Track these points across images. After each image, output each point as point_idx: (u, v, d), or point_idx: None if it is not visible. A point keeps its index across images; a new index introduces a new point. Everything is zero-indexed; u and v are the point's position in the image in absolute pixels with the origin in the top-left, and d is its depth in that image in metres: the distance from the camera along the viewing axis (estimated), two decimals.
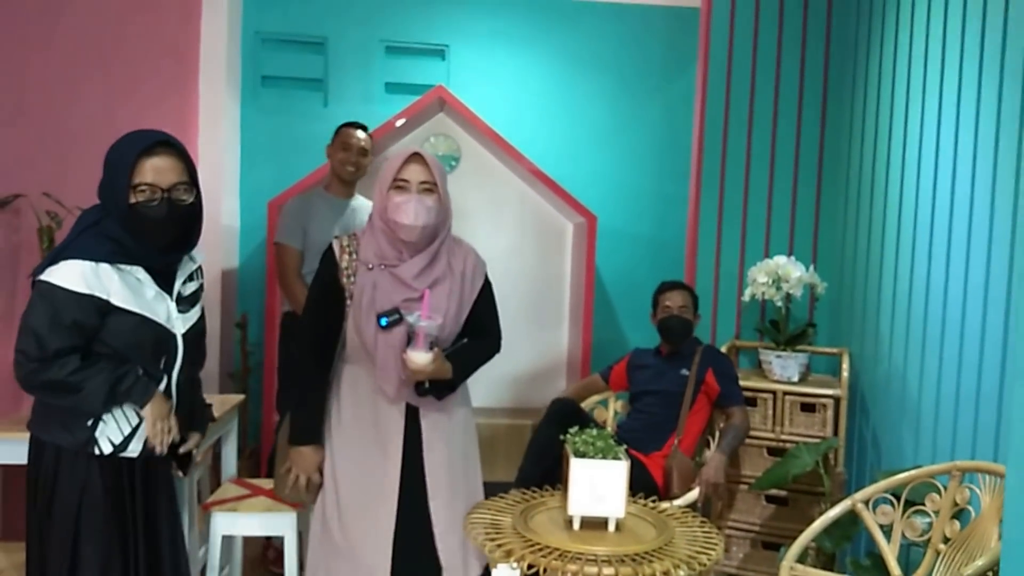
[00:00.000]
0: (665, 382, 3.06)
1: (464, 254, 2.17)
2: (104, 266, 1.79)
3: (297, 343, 2.12)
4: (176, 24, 3.73)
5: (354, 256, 2.05)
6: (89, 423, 1.83)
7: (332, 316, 2.07)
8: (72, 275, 1.76)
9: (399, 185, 2.03)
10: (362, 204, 3.55)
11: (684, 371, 3.04)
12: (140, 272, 1.85)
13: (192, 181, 1.89)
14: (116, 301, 1.80)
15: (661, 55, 4.49)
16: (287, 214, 3.40)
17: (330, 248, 2.09)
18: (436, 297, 2.05)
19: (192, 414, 2.08)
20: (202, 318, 2.06)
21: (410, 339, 2.00)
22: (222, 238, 4.05)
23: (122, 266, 1.82)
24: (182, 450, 2.04)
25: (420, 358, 1.98)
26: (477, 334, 2.18)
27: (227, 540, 2.55)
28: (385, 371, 2.03)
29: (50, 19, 2.65)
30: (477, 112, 4.12)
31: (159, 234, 1.84)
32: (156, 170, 1.81)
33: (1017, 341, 1.01)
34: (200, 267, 2.06)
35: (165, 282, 1.91)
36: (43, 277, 1.78)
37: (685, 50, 4.39)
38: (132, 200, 1.80)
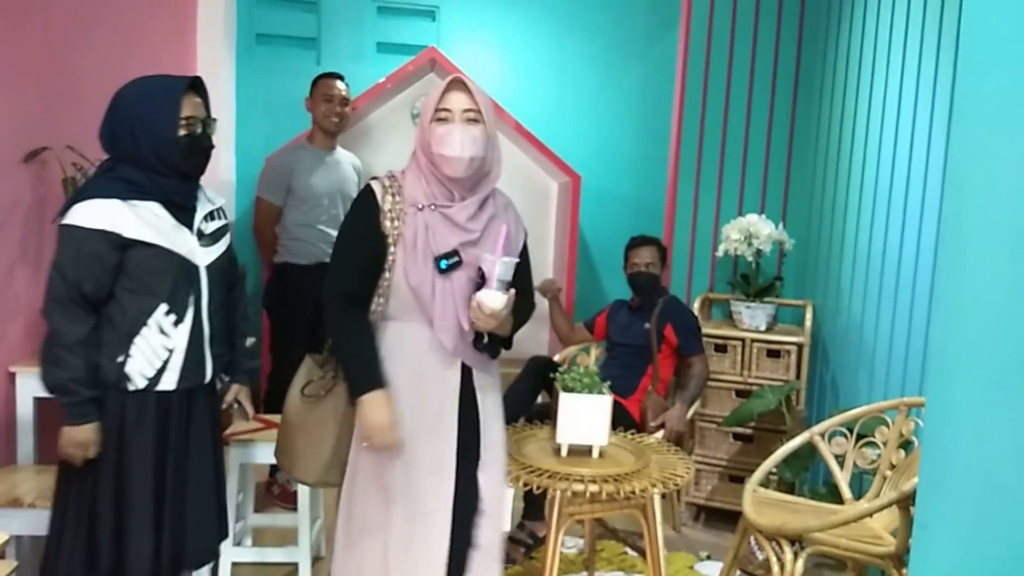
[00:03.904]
0: (631, 336, 3.33)
1: (506, 203, 1.99)
2: (115, 202, 1.91)
3: (330, 293, 1.89)
4: None
5: (398, 197, 1.85)
6: (120, 359, 1.94)
7: (370, 264, 1.86)
8: (86, 214, 1.89)
9: (441, 116, 1.83)
10: (345, 156, 3.71)
11: (647, 325, 3.29)
12: (157, 208, 1.97)
13: (210, 115, 2.08)
14: (129, 234, 1.91)
15: (645, 18, 4.65)
16: (270, 170, 3.56)
17: (369, 190, 1.89)
18: (490, 242, 1.86)
19: (231, 361, 2.21)
20: (230, 257, 2.16)
21: (480, 283, 1.82)
22: (219, 192, 4.20)
23: (136, 202, 1.94)
24: (224, 405, 2.20)
25: (496, 300, 1.78)
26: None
27: (241, 470, 2.76)
28: (444, 321, 1.84)
29: None
30: (466, 72, 4.27)
31: (200, 161, 2.03)
32: (194, 105, 2.00)
33: (937, 286, 1.23)
34: (221, 208, 2.17)
35: (186, 217, 2.03)
36: (63, 221, 1.92)
37: (668, 14, 4.56)
38: (182, 133, 1.96)
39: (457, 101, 1.84)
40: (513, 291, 1.83)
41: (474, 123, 1.84)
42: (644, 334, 3.27)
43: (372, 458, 1.89)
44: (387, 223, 1.85)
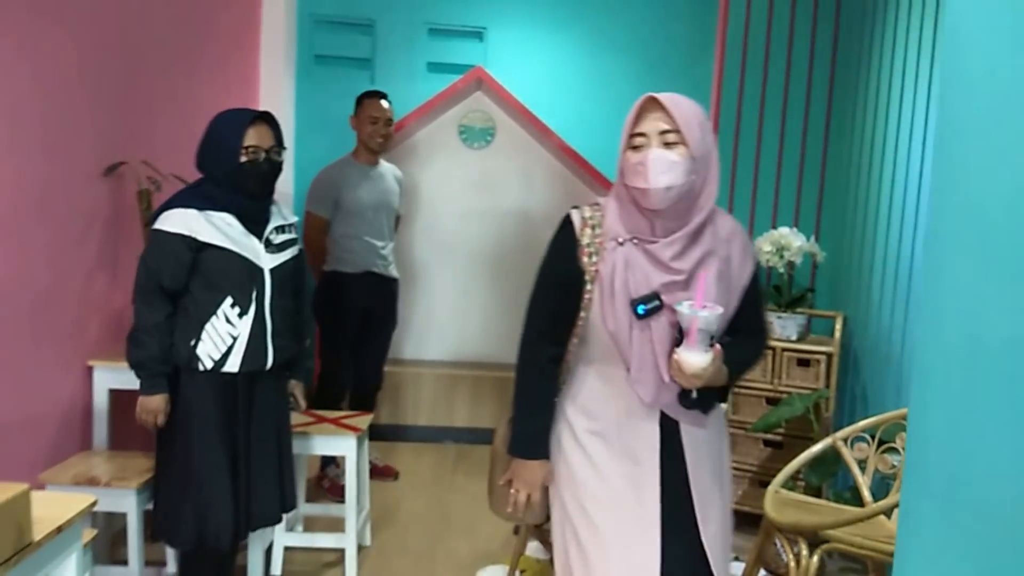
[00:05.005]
0: None
1: (730, 231, 1.71)
2: (192, 212, 2.27)
3: (525, 329, 1.76)
4: (241, 9, 4.11)
5: (598, 230, 1.66)
6: (192, 342, 2.27)
7: (567, 303, 1.68)
8: (168, 221, 2.28)
9: (636, 144, 1.62)
10: (388, 169, 3.90)
11: None
12: (230, 218, 2.31)
13: (282, 145, 2.39)
14: (202, 238, 2.26)
15: (684, 38, 4.79)
16: (318, 185, 3.76)
17: (568, 221, 1.71)
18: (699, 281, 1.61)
19: (293, 361, 2.51)
20: (297, 267, 2.47)
21: (680, 335, 1.57)
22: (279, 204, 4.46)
23: (212, 213, 2.29)
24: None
25: (697, 359, 1.54)
26: (740, 332, 1.74)
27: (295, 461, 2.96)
28: (641, 371, 1.63)
29: (143, 10, 3.04)
30: (512, 91, 4.47)
31: (260, 185, 2.33)
32: (259, 135, 2.31)
33: (921, 295, 1.35)
34: (293, 225, 2.50)
35: (256, 228, 2.36)
36: (153, 226, 2.30)
37: (706, 33, 4.68)
38: (243, 160, 2.27)
39: (652, 123, 1.60)
40: (719, 347, 1.58)
41: (673, 146, 1.59)
42: None
43: (569, 510, 1.73)
44: (585, 258, 1.66)
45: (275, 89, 4.45)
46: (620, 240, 1.63)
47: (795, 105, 3.95)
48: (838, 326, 3.52)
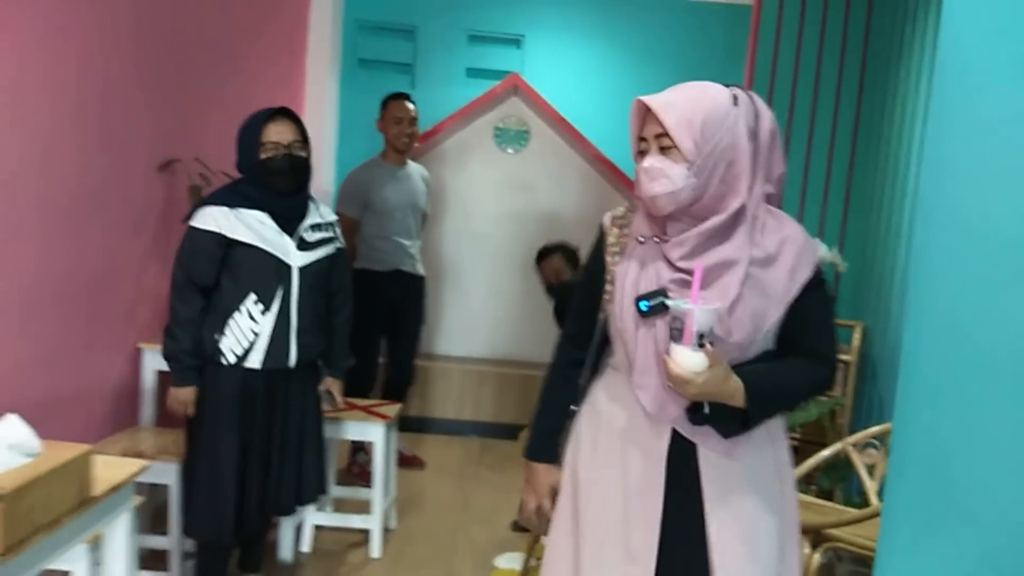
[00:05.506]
0: None
1: (783, 238, 1.51)
2: (224, 209, 2.34)
3: (558, 337, 1.77)
4: (290, 13, 4.31)
5: (625, 230, 1.62)
6: (216, 336, 2.36)
7: (591, 304, 1.65)
8: (201, 217, 2.36)
9: (641, 149, 1.52)
10: (415, 170, 4.04)
11: None
12: (263, 216, 2.38)
13: (304, 140, 2.43)
14: (231, 235, 2.32)
15: (717, 49, 4.88)
16: (348, 187, 3.90)
17: (600, 223, 1.69)
18: (721, 283, 1.46)
19: (328, 357, 2.61)
20: (332, 266, 2.53)
21: (676, 334, 1.41)
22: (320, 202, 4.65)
23: (244, 211, 2.35)
24: (321, 388, 2.65)
25: (685, 359, 1.37)
26: (795, 352, 1.53)
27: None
28: (644, 375, 1.50)
29: (197, 14, 3.24)
30: (547, 97, 4.61)
31: (284, 180, 2.37)
32: (278, 132, 2.37)
33: (908, 306, 1.43)
34: (331, 224, 2.56)
35: (289, 226, 2.42)
36: (189, 223, 2.40)
37: (739, 45, 4.77)
38: (263, 156, 2.34)
39: (650, 127, 1.50)
40: (710, 348, 1.39)
41: (668, 151, 1.47)
42: None
43: (565, 515, 1.65)
44: (608, 258, 1.62)
45: (319, 91, 4.63)
46: (641, 239, 1.56)
47: (823, 116, 4.03)
48: (856, 335, 3.59)
